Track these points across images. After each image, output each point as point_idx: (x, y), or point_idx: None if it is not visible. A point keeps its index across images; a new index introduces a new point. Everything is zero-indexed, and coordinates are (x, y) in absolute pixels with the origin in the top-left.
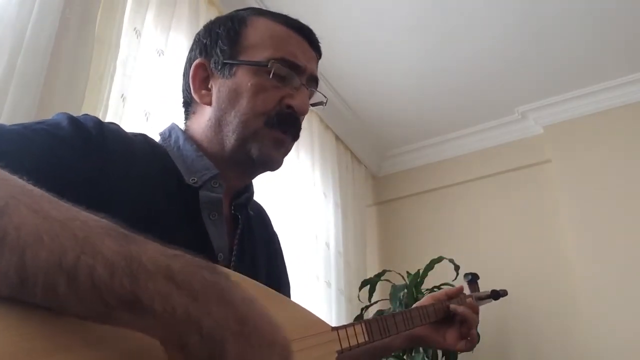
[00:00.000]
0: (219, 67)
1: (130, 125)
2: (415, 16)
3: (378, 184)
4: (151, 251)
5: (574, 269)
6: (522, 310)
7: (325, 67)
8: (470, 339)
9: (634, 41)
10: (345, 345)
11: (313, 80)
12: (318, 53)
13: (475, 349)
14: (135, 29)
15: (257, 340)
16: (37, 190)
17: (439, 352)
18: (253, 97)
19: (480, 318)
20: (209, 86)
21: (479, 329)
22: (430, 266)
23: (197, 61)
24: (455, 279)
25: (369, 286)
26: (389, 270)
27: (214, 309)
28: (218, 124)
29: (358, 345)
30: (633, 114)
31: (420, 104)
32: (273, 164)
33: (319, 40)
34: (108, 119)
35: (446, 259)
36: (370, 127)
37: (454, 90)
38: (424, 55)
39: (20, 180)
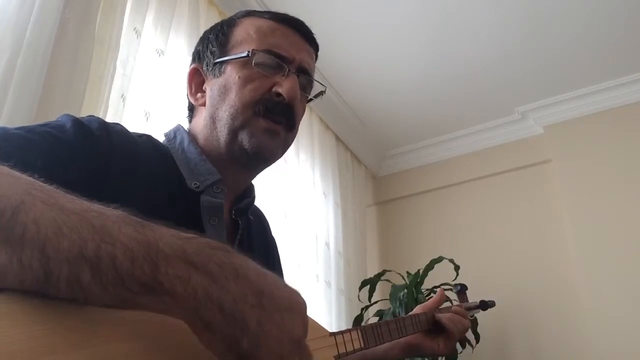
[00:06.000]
0: (210, 68)
1: (130, 125)
2: (415, 16)
3: (378, 184)
4: (167, 236)
5: (574, 268)
6: (522, 309)
7: (325, 68)
8: (452, 343)
9: (634, 41)
10: (342, 350)
11: (303, 71)
12: (312, 44)
13: (475, 347)
14: (135, 29)
15: (275, 309)
16: (49, 186)
17: None
18: (241, 89)
19: (480, 316)
20: (204, 89)
21: (479, 329)
22: (430, 266)
23: (191, 67)
24: (455, 279)
25: (369, 286)
26: (389, 270)
27: (231, 286)
28: (212, 121)
29: (354, 350)
30: (633, 114)
31: (420, 104)
32: (266, 153)
33: (312, 32)
34: (108, 119)
35: (446, 259)
36: (370, 127)
37: (454, 90)
38: (424, 56)
39: (31, 178)
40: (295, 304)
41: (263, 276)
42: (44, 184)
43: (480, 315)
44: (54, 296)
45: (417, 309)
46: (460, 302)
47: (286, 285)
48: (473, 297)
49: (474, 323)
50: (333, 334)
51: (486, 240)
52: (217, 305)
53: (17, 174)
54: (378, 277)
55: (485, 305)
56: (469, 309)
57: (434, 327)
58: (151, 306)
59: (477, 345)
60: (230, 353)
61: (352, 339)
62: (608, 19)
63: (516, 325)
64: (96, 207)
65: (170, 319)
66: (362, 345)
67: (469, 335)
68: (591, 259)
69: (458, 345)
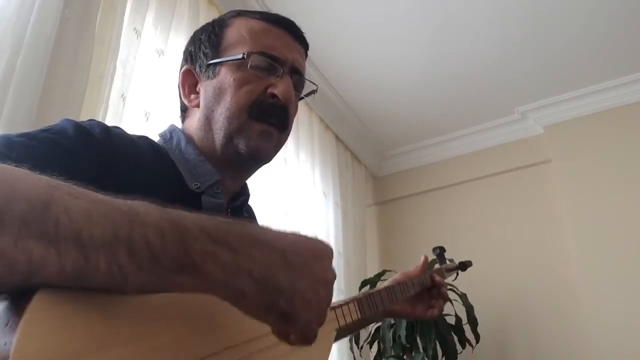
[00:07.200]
0: (204, 69)
1: (130, 125)
2: (415, 16)
3: (378, 184)
4: (188, 215)
5: (574, 268)
6: (522, 309)
7: (325, 68)
8: (438, 307)
9: (634, 41)
10: (342, 323)
11: (296, 71)
12: (302, 44)
13: (475, 347)
14: (135, 29)
15: (302, 262)
16: (70, 183)
17: (439, 352)
18: (236, 91)
19: (480, 316)
20: (197, 90)
21: (480, 329)
22: (430, 266)
23: (184, 68)
24: (455, 279)
25: (369, 286)
26: (389, 270)
27: (255, 254)
28: (207, 122)
29: (352, 322)
30: (633, 114)
31: (420, 104)
32: (262, 155)
33: (302, 32)
34: (108, 119)
35: (446, 259)
36: (370, 127)
37: (454, 90)
38: (424, 56)
39: (50, 178)
40: (319, 250)
41: (282, 237)
42: (64, 182)
43: (480, 315)
44: (92, 286)
45: (399, 276)
46: (440, 264)
47: (307, 237)
48: (474, 298)
49: (474, 323)
50: (332, 308)
51: (486, 240)
52: (246, 274)
53: (37, 174)
54: (378, 277)
55: (464, 265)
56: (449, 270)
57: (419, 294)
58: (186, 284)
59: (477, 345)
60: (270, 315)
61: (350, 312)
62: (608, 19)
63: (516, 325)
64: (118, 197)
65: (203, 300)
66: (360, 316)
67: (469, 335)
68: (591, 259)
69: (458, 346)
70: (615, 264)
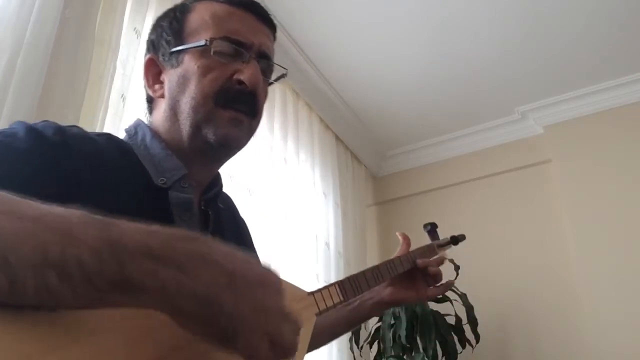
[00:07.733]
0: (167, 58)
1: None
2: (415, 16)
3: (378, 184)
4: (131, 232)
5: (574, 269)
6: (522, 309)
7: (325, 68)
8: (442, 284)
9: (634, 41)
10: (322, 306)
11: (263, 55)
12: (269, 27)
13: (475, 347)
14: (135, 29)
15: (247, 285)
16: (3, 193)
17: (439, 352)
18: (201, 79)
19: (480, 316)
20: (162, 80)
21: (480, 329)
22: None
23: (146, 57)
24: (455, 278)
25: None
26: None
27: (201, 273)
28: (173, 113)
29: (334, 305)
30: (633, 114)
31: (420, 104)
32: (231, 143)
33: (269, 13)
34: (108, 119)
35: (446, 259)
36: (370, 127)
37: (454, 90)
38: (424, 56)
39: None
40: (266, 278)
41: (232, 257)
42: None
43: (480, 315)
44: (23, 304)
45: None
46: (432, 240)
47: (257, 263)
48: (474, 298)
49: (474, 323)
50: (312, 293)
51: (486, 240)
52: (189, 294)
53: None
54: None
55: (456, 239)
56: (441, 246)
57: (408, 274)
58: (124, 303)
59: (477, 345)
60: (211, 335)
61: (330, 295)
62: (608, 19)
63: (516, 325)
64: (55, 209)
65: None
66: (342, 298)
67: (469, 335)
68: (591, 259)
69: (458, 346)
70: (615, 264)
